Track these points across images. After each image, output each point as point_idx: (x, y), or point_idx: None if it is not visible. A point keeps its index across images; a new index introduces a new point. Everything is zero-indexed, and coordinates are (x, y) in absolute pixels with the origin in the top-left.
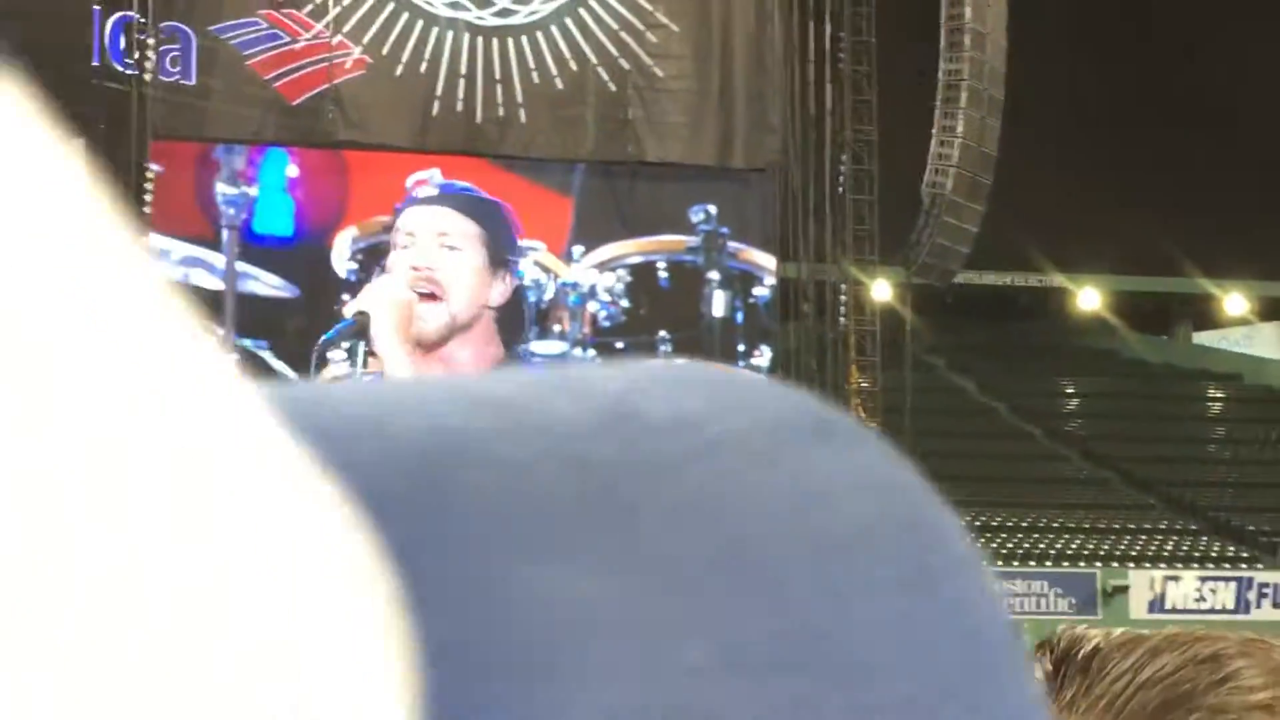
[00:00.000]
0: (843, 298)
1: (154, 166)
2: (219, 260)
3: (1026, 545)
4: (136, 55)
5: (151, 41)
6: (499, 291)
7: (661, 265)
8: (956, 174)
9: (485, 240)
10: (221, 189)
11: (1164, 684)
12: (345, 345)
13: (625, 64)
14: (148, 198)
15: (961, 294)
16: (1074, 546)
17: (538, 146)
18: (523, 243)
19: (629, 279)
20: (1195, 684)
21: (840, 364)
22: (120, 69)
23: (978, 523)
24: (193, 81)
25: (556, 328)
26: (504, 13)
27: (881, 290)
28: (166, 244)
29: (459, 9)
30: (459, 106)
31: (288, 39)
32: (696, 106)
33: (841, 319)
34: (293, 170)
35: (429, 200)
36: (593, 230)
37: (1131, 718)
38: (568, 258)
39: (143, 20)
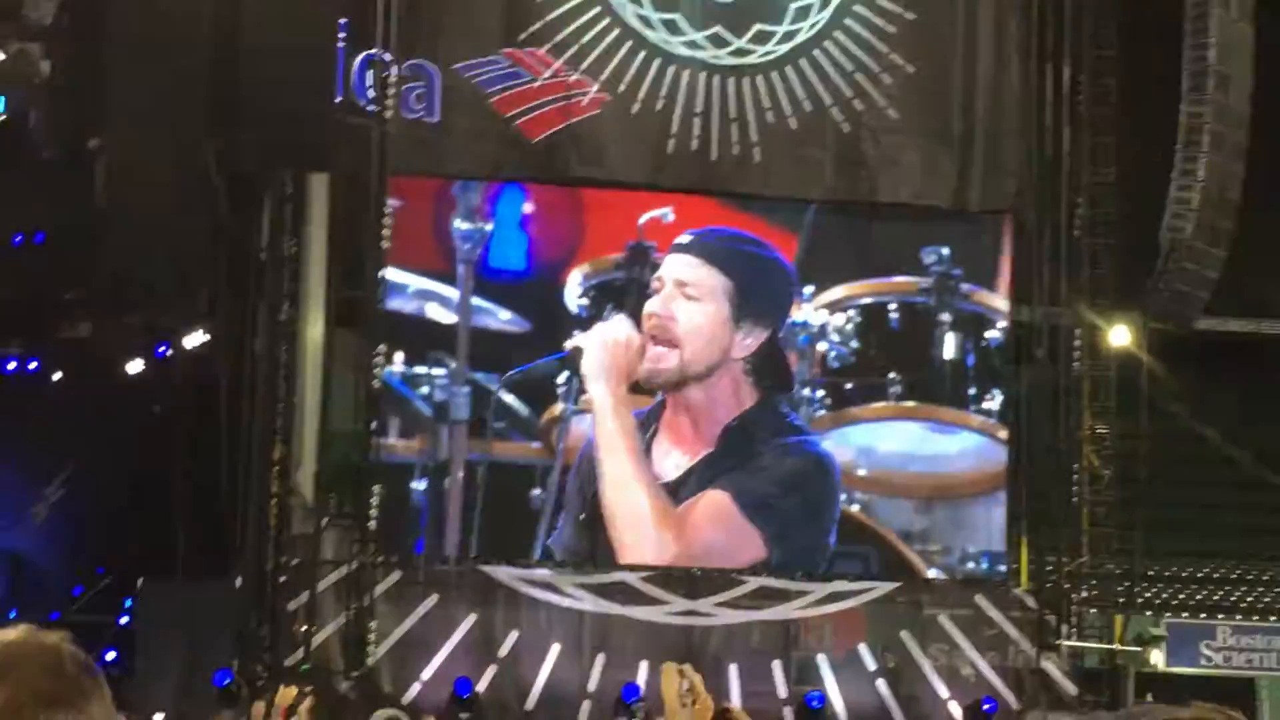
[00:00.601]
0: (1077, 342)
1: (393, 201)
2: (454, 294)
3: (1267, 599)
4: (380, 92)
5: (395, 78)
6: (744, 344)
7: (893, 306)
8: (1197, 219)
9: (731, 293)
10: (458, 224)
11: None
12: (561, 378)
13: (860, 105)
14: (386, 231)
15: (1206, 341)
16: None
17: (772, 185)
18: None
19: (859, 319)
20: None
21: (1074, 410)
22: (364, 105)
23: (1217, 575)
24: (436, 119)
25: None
26: (740, 52)
27: (1120, 336)
28: (404, 277)
29: (696, 48)
30: (694, 145)
31: (529, 77)
32: (932, 149)
33: (1076, 364)
34: (528, 207)
35: (680, 248)
36: (824, 270)
37: None
38: (799, 297)
39: (388, 58)
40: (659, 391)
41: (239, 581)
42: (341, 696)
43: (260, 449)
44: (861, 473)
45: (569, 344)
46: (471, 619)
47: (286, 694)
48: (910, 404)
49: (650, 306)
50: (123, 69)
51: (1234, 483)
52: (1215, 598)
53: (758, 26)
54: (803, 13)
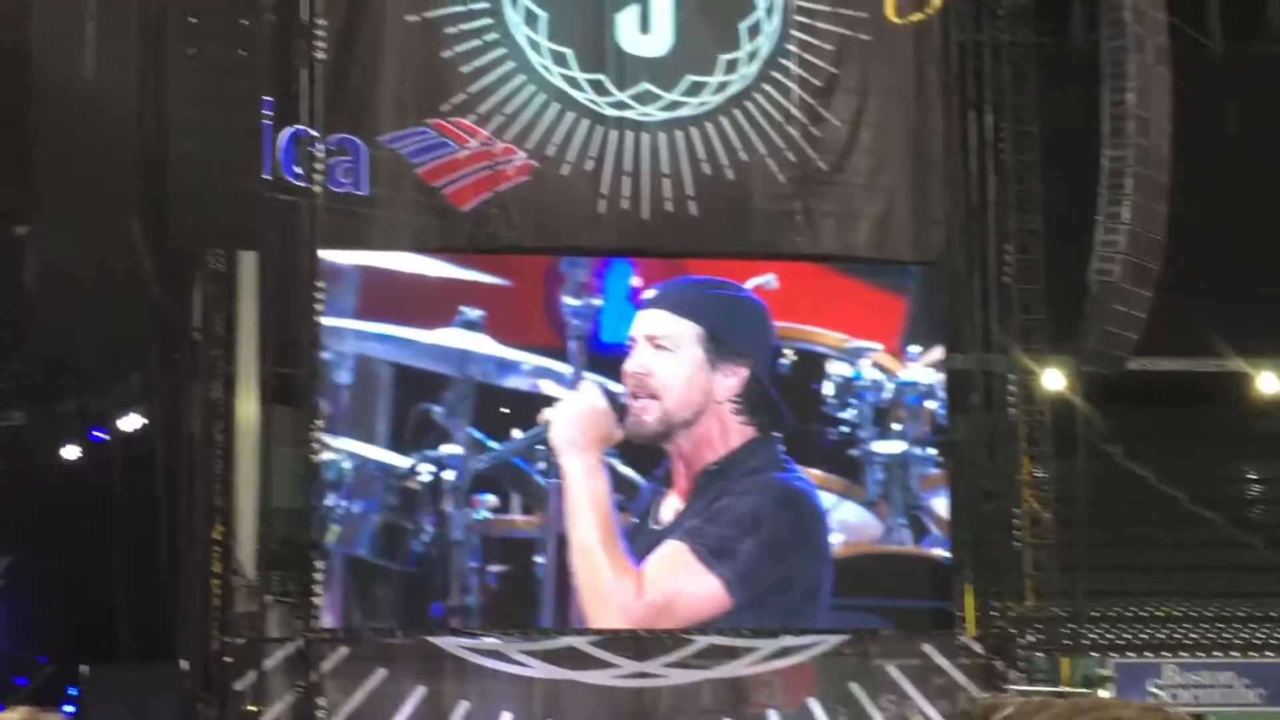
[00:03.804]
0: (1011, 388)
1: (502, 280)
2: (567, 370)
3: (1211, 635)
4: (307, 168)
5: (321, 153)
6: (725, 384)
7: None
8: (1123, 261)
9: (703, 337)
10: (567, 300)
11: None
12: (521, 454)
13: (793, 156)
14: (319, 307)
15: (1138, 381)
16: (1261, 635)
17: (707, 241)
18: (858, 343)
19: None
20: None
21: (1011, 455)
22: (292, 181)
23: (1160, 613)
24: (364, 192)
25: (896, 426)
26: (672, 105)
27: (1054, 379)
28: (517, 355)
29: (624, 107)
30: (625, 204)
31: (455, 146)
32: (860, 200)
33: (1011, 409)
34: (636, 280)
35: (648, 304)
36: (926, 329)
37: None
38: (905, 357)
39: (313, 133)
40: (656, 442)
41: (185, 664)
42: None
43: (201, 529)
44: None
45: (540, 417)
46: (420, 691)
47: None
48: None
49: (626, 366)
50: (48, 154)
51: (1173, 520)
52: (1160, 636)
53: (690, 78)
54: (732, 65)
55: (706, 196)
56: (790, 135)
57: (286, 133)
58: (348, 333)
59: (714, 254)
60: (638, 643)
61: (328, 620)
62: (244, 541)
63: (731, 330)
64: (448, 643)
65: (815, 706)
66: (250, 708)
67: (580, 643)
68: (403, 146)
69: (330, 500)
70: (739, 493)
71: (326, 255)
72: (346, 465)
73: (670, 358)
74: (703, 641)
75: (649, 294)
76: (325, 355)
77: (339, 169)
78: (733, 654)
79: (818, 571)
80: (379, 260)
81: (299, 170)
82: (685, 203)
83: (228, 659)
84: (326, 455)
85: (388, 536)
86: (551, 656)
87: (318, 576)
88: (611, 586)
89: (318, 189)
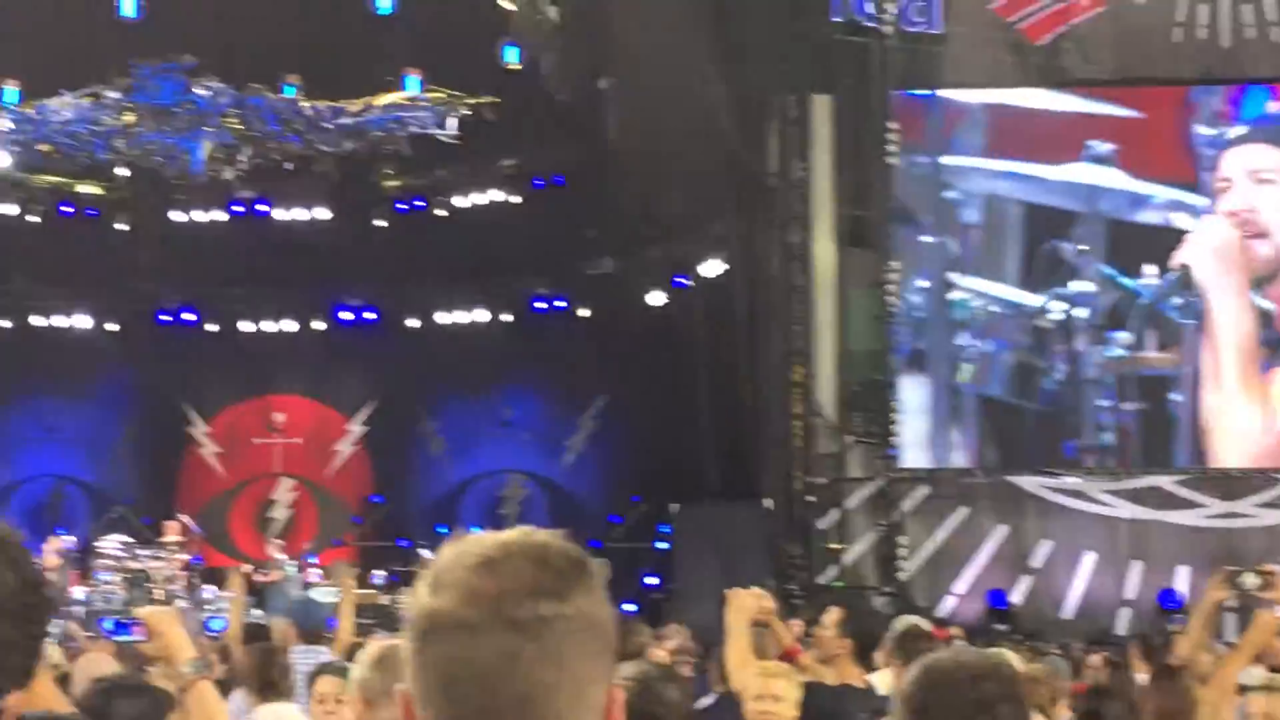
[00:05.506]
0: None
1: (1132, 112)
2: (1200, 202)
3: None
4: (879, 9)
5: None
6: None
7: None
8: None
9: None
10: (1200, 130)
11: None
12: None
13: None
14: (892, 148)
15: None
16: None
17: None
18: None
19: None
20: None
21: None
22: (863, 23)
23: None
24: (938, 30)
25: None
26: None
27: None
28: (1149, 189)
29: None
30: (1203, 33)
31: None
32: None
33: None
34: (1273, 106)
35: (1240, 140)
36: None
37: None
38: None
39: None
40: (1263, 286)
41: (769, 503)
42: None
43: (781, 371)
44: None
45: (1174, 262)
46: (1002, 530)
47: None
48: None
49: (1226, 205)
50: (627, 10)
51: None
52: None
53: None
54: None
55: None
56: None
57: None
58: (975, 171)
59: None
60: (1227, 482)
61: (961, 459)
62: (824, 383)
63: None
64: (1029, 482)
65: None
66: (832, 546)
67: (1166, 482)
68: None
69: (961, 340)
70: None
71: (952, 95)
72: (977, 304)
73: (1276, 191)
74: None
75: (1239, 130)
76: (951, 195)
77: (912, 8)
78: None
79: None
80: (1007, 98)
81: (871, 11)
82: (1267, 28)
83: (810, 498)
84: (955, 294)
85: (1020, 375)
86: (1136, 496)
87: (895, 417)
88: (1243, 422)
89: (889, 29)
